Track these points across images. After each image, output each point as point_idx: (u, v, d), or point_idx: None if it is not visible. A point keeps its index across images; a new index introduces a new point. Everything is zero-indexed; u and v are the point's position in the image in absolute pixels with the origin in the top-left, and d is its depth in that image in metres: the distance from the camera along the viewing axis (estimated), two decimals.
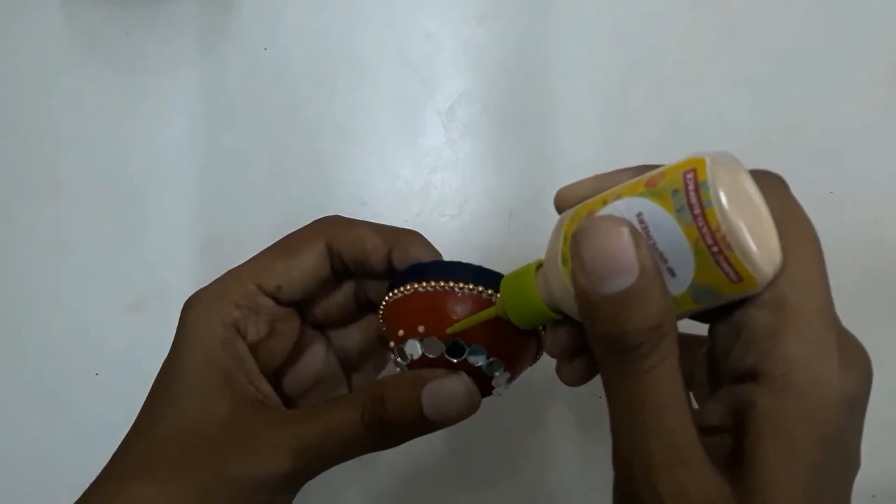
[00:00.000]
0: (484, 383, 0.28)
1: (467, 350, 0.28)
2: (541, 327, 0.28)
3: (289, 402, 0.31)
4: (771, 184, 0.22)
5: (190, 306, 0.29)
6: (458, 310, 0.28)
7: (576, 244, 0.21)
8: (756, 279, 0.21)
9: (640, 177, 0.23)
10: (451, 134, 0.43)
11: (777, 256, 0.21)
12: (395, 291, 0.29)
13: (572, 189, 0.27)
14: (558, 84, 0.43)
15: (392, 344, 0.29)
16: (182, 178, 0.43)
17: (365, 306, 0.33)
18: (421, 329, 0.28)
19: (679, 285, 0.22)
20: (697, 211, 0.21)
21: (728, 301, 0.22)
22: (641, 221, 0.22)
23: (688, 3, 0.43)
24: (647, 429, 0.21)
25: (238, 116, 0.44)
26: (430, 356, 0.28)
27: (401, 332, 0.28)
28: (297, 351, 0.32)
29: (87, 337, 0.42)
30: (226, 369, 0.28)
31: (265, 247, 0.31)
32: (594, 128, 0.42)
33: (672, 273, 0.21)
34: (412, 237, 0.31)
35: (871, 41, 0.43)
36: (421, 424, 0.27)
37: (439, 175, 0.43)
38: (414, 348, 0.28)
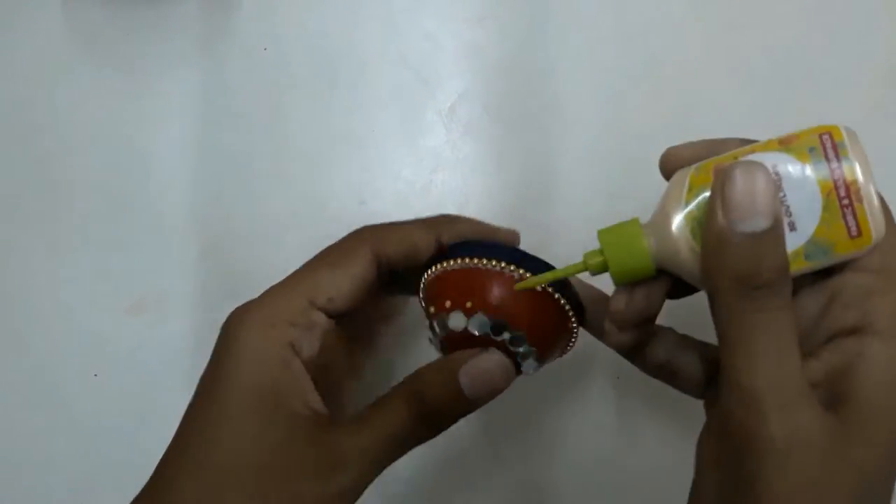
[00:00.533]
0: (514, 364, 0.29)
1: (509, 332, 0.28)
2: (572, 322, 0.29)
3: (337, 411, 0.31)
4: None
5: (240, 324, 0.28)
6: (509, 292, 0.28)
7: (722, 181, 0.23)
8: (872, 236, 0.23)
9: (770, 138, 0.25)
10: (452, 134, 0.43)
11: (883, 221, 0.24)
12: (447, 263, 0.29)
13: (682, 150, 0.28)
14: (559, 84, 0.43)
15: (433, 314, 0.29)
16: (182, 178, 0.43)
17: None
18: (469, 304, 0.28)
19: (797, 240, 0.24)
20: (835, 165, 0.24)
21: (833, 263, 0.24)
22: (776, 174, 0.24)
23: (688, 3, 0.43)
24: (774, 366, 0.23)
25: (238, 116, 0.44)
26: (473, 332, 0.28)
27: (448, 304, 0.29)
28: (345, 361, 0.32)
29: (86, 338, 0.42)
30: (281, 391, 0.27)
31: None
32: (595, 128, 0.42)
33: (792, 227, 0.24)
34: (457, 219, 0.32)
35: (871, 41, 0.43)
36: (464, 405, 0.28)
37: (440, 175, 0.43)
38: (458, 321, 0.28)
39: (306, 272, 0.30)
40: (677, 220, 0.25)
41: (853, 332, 0.24)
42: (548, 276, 0.28)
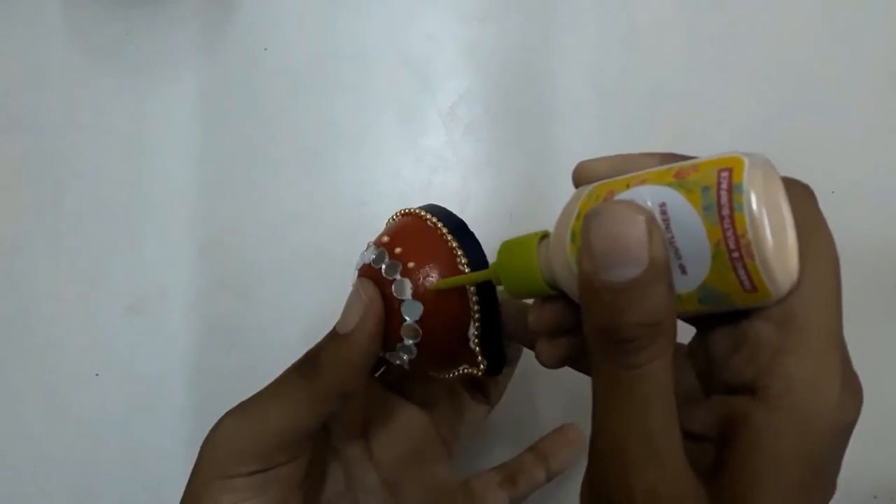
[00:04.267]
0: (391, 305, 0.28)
1: (388, 260, 0.28)
2: (474, 307, 0.28)
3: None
4: (799, 195, 0.22)
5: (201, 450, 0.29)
6: (423, 240, 0.29)
7: (587, 225, 0.21)
8: (770, 292, 0.20)
9: (670, 165, 0.22)
10: (452, 134, 0.43)
11: (794, 272, 0.21)
12: (411, 211, 0.30)
13: (593, 164, 0.26)
14: (559, 84, 0.43)
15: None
16: (182, 177, 0.43)
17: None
18: (398, 251, 0.28)
19: (688, 284, 0.21)
20: (726, 212, 0.20)
21: (734, 309, 0.21)
22: (663, 213, 0.21)
23: (689, 4, 0.43)
24: (628, 424, 0.20)
25: (238, 116, 0.44)
26: (374, 266, 0.29)
27: (381, 239, 0.30)
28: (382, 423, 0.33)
29: (87, 338, 0.42)
30: None
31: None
32: (595, 128, 0.42)
33: (683, 270, 0.21)
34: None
35: (872, 41, 0.43)
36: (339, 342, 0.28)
37: (440, 175, 0.43)
38: (371, 258, 0.29)
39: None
40: (565, 246, 0.23)
41: (747, 388, 0.21)
42: (454, 280, 0.28)
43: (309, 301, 0.41)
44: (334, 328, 0.28)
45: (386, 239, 0.29)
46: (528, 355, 0.39)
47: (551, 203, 0.42)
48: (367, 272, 0.29)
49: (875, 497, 0.39)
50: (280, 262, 0.42)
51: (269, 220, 0.43)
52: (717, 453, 0.21)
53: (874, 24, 0.43)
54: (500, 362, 0.29)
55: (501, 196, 0.42)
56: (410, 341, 0.28)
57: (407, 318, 0.28)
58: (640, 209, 0.20)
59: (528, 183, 0.42)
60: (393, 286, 0.28)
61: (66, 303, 0.42)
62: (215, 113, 0.44)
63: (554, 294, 0.25)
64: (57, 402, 0.41)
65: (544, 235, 0.26)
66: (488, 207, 0.42)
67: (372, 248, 0.29)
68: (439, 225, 0.29)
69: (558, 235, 0.24)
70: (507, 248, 0.26)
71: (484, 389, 0.36)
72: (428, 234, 0.29)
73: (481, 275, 0.27)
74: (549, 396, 0.40)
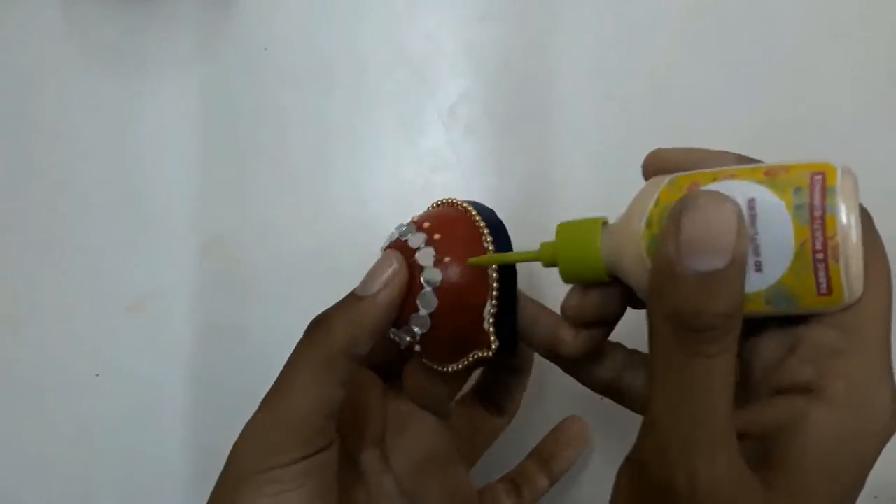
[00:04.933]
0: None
1: (417, 235, 0.29)
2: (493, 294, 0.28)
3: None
4: (863, 214, 0.23)
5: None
6: (452, 219, 0.29)
7: (679, 211, 0.21)
8: (843, 297, 0.21)
9: (758, 164, 0.23)
10: (452, 134, 0.43)
11: (861, 282, 0.21)
12: (452, 202, 0.31)
13: (669, 154, 0.26)
14: (559, 84, 0.43)
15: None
16: (182, 177, 0.43)
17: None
18: (426, 225, 0.29)
19: (760, 283, 0.22)
20: (818, 213, 0.21)
21: (795, 313, 0.22)
22: (752, 208, 0.21)
23: (689, 4, 0.43)
24: (696, 411, 0.21)
25: (238, 116, 0.43)
26: (401, 238, 0.29)
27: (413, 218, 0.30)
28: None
29: (87, 338, 0.42)
30: None
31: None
32: (595, 128, 0.42)
33: (758, 268, 0.21)
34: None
35: (872, 40, 0.43)
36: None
37: (440, 175, 0.43)
38: (401, 231, 0.29)
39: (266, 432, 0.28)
40: (636, 233, 0.23)
41: (804, 390, 0.22)
42: (497, 257, 0.27)
43: (309, 301, 0.41)
44: (351, 292, 0.28)
45: (417, 217, 0.30)
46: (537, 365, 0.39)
47: (551, 203, 0.42)
48: (394, 245, 0.29)
49: (876, 497, 0.39)
50: (280, 262, 0.42)
51: (269, 220, 0.43)
52: (764, 450, 0.22)
53: (874, 24, 0.43)
54: (512, 343, 0.29)
55: (501, 196, 0.42)
56: (425, 311, 0.28)
57: (426, 285, 0.28)
58: (734, 202, 0.21)
59: (528, 183, 0.42)
60: (417, 254, 0.28)
61: (65, 303, 0.42)
62: (215, 113, 0.43)
63: (607, 282, 0.25)
64: (57, 402, 0.41)
65: (604, 222, 0.26)
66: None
67: (403, 225, 0.30)
68: (470, 208, 0.30)
69: (629, 221, 0.24)
70: (567, 229, 0.26)
71: (496, 398, 0.36)
72: (458, 215, 0.30)
73: (534, 254, 0.27)
74: (556, 401, 0.40)
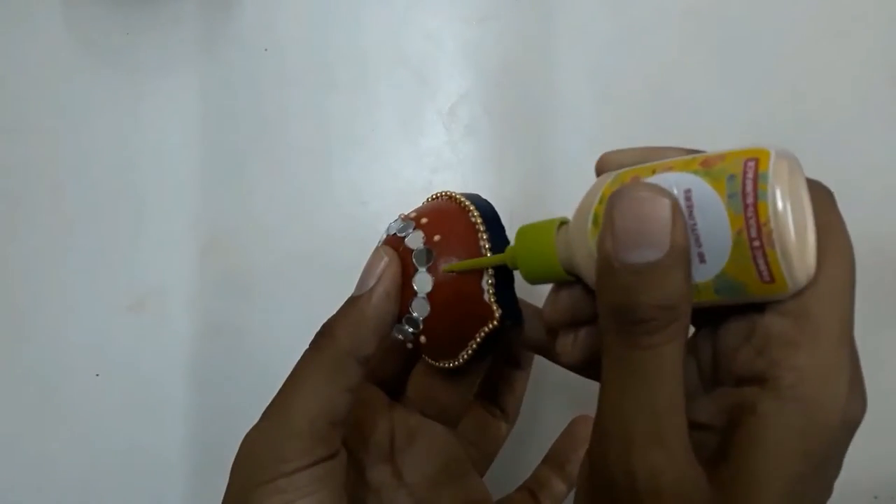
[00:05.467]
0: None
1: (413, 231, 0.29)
2: (490, 291, 0.28)
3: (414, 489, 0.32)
4: (820, 195, 0.22)
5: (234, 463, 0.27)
6: (445, 211, 0.30)
7: (612, 206, 0.21)
8: (787, 284, 0.20)
9: (696, 154, 0.23)
10: (452, 134, 0.43)
11: (812, 267, 0.21)
12: (450, 195, 0.31)
13: (617, 155, 0.26)
14: (559, 84, 0.43)
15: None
16: (182, 177, 0.43)
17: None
18: (424, 221, 0.30)
19: (706, 273, 0.21)
20: (750, 200, 0.20)
21: (748, 301, 0.22)
22: (688, 199, 0.21)
23: (689, 4, 0.43)
24: (636, 404, 0.21)
25: (238, 116, 0.44)
26: (393, 234, 0.30)
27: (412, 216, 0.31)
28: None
29: (87, 337, 0.42)
30: None
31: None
32: (595, 128, 0.42)
33: (702, 259, 0.21)
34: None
35: (872, 40, 0.43)
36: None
37: (440, 175, 0.43)
38: (398, 227, 0.30)
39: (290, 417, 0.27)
40: (585, 230, 0.24)
41: (757, 381, 0.21)
42: (469, 263, 0.28)
43: (309, 301, 0.41)
44: (351, 295, 0.29)
45: (414, 213, 0.31)
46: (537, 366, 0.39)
47: (551, 203, 0.42)
48: (387, 242, 0.30)
49: (876, 497, 0.39)
50: (280, 262, 0.42)
51: (270, 220, 0.43)
52: (720, 442, 0.21)
53: (874, 24, 0.43)
54: (515, 310, 0.29)
55: (501, 196, 0.42)
56: (423, 293, 0.28)
57: (419, 267, 0.28)
58: (666, 192, 0.21)
59: (528, 183, 0.42)
60: (406, 239, 0.29)
61: (66, 303, 0.42)
62: (215, 113, 0.44)
63: (570, 280, 0.25)
64: (57, 402, 0.41)
65: (563, 222, 0.26)
66: None
67: (399, 220, 0.31)
68: (468, 204, 0.30)
69: (579, 219, 0.24)
70: (525, 231, 0.26)
71: (499, 398, 0.36)
72: (455, 210, 0.30)
73: (497, 258, 0.27)
74: (557, 406, 0.40)
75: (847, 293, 0.21)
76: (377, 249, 0.29)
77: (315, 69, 0.44)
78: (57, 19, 0.45)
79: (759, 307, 0.22)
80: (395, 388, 0.34)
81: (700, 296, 0.22)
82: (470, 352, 0.29)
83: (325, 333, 0.28)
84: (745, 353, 0.22)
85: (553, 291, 0.27)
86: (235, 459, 0.27)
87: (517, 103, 0.43)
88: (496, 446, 0.36)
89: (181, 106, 0.43)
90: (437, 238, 0.29)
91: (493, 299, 0.28)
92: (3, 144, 0.44)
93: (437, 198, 0.32)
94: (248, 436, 0.27)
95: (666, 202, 0.20)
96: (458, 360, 0.30)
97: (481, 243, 0.29)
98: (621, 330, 0.21)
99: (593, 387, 0.27)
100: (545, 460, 0.36)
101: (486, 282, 0.28)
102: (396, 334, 0.30)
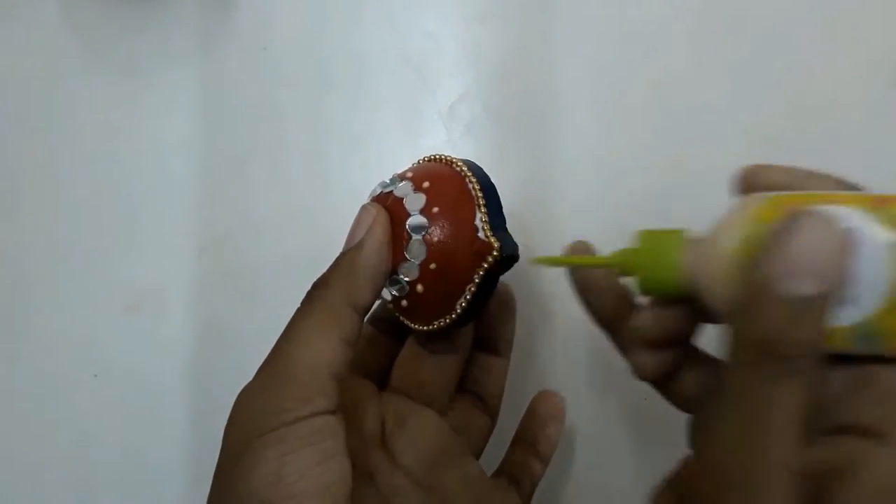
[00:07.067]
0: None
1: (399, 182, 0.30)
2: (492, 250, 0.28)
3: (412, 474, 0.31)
4: None
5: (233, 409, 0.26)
6: (438, 170, 0.30)
7: (782, 231, 0.20)
8: None
9: (867, 192, 0.22)
10: (452, 134, 0.43)
11: None
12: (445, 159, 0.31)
13: (767, 171, 0.25)
14: (560, 84, 0.43)
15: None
16: (181, 178, 0.43)
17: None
18: (407, 174, 0.30)
19: (850, 316, 0.20)
20: None
21: (878, 355, 0.21)
22: (854, 237, 0.20)
23: (689, 3, 0.43)
24: (761, 445, 0.20)
25: (237, 116, 0.43)
26: (382, 190, 0.30)
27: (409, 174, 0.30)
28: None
29: (85, 338, 0.42)
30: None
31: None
32: (595, 128, 0.42)
33: (852, 301, 0.20)
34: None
35: (872, 41, 0.43)
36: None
37: None
38: (382, 184, 0.31)
39: (292, 364, 0.26)
40: (726, 250, 0.22)
41: (866, 433, 0.20)
42: (563, 259, 0.27)
43: None
44: (341, 252, 0.28)
45: (405, 171, 0.31)
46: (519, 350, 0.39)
47: (551, 203, 0.42)
48: (377, 199, 0.30)
49: None
50: (280, 262, 0.42)
51: (269, 220, 0.43)
52: (817, 491, 0.20)
53: (874, 24, 0.43)
54: (511, 244, 0.29)
55: (501, 196, 0.42)
56: (417, 236, 0.28)
57: (411, 211, 0.28)
58: (841, 228, 0.20)
59: (528, 183, 0.42)
60: (394, 191, 0.29)
61: (64, 303, 0.42)
62: (215, 112, 0.43)
63: (681, 297, 0.24)
64: (56, 403, 0.41)
65: (683, 234, 0.25)
66: None
67: (386, 180, 0.31)
68: (464, 168, 0.30)
69: (718, 237, 0.23)
70: (650, 238, 0.25)
71: (480, 390, 0.36)
72: (446, 171, 0.30)
73: (607, 260, 0.26)
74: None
75: None
76: (363, 206, 0.29)
77: (314, 68, 0.44)
78: (56, 19, 0.45)
79: (875, 358, 0.21)
80: (381, 381, 0.34)
81: (832, 340, 0.21)
82: (468, 296, 0.29)
83: (319, 286, 0.28)
84: (857, 402, 0.21)
85: (653, 306, 0.25)
86: (230, 417, 0.26)
87: (517, 103, 0.43)
88: (482, 441, 0.35)
89: (180, 105, 0.43)
90: (426, 185, 0.29)
91: (489, 234, 0.28)
92: (1, 144, 0.44)
93: (432, 160, 0.31)
94: (242, 392, 0.26)
95: (840, 237, 0.19)
96: (455, 312, 0.29)
97: (478, 212, 0.29)
98: (760, 363, 0.20)
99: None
100: (515, 442, 0.36)
101: (480, 219, 0.28)
102: (391, 289, 0.29)
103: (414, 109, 0.43)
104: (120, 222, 0.43)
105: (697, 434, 0.22)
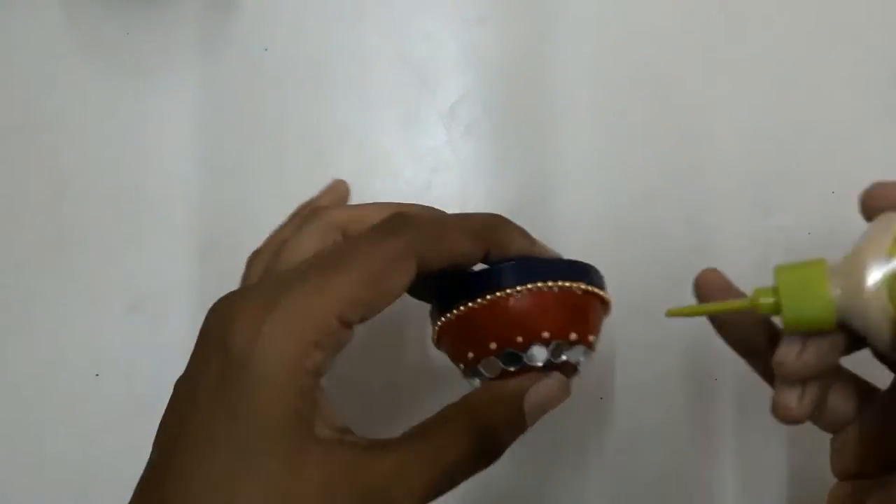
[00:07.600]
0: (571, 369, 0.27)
1: (569, 348, 0.26)
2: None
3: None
4: None
5: (258, 338, 0.24)
6: (585, 312, 0.27)
7: None
8: None
9: None
10: (452, 134, 0.43)
11: None
12: (501, 292, 0.26)
13: (885, 191, 0.23)
14: (560, 85, 0.43)
15: (489, 351, 0.26)
16: (182, 178, 0.43)
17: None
18: (546, 335, 0.26)
19: None
20: None
21: None
22: None
23: (689, 5, 0.43)
24: None
25: (238, 116, 0.43)
26: (554, 360, 0.26)
27: (519, 339, 0.26)
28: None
29: (86, 338, 0.42)
30: (306, 418, 0.24)
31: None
32: (595, 129, 0.42)
33: None
34: (508, 231, 0.28)
35: (872, 41, 0.43)
36: (520, 431, 0.26)
37: (440, 176, 0.43)
38: (538, 355, 0.26)
39: (342, 283, 0.24)
40: (874, 276, 0.21)
41: None
42: (701, 309, 0.26)
43: None
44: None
45: (547, 334, 0.27)
46: None
47: (551, 203, 0.42)
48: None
49: None
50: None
51: (270, 220, 0.42)
52: None
53: (874, 24, 0.43)
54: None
55: (501, 196, 0.42)
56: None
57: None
58: None
59: (528, 183, 0.42)
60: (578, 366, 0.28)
61: (66, 303, 0.42)
62: (215, 113, 0.44)
63: (830, 330, 0.23)
64: (57, 402, 0.41)
65: (824, 264, 0.24)
66: (488, 208, 0.42)
67: (542, 347, 0.27)
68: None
69: (859, 265, 0.22)
70: (789, 272, 0.24)
71: None
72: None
73: (747, 303, 0.25)
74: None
75: None
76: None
77: (315, 69, 0.44)
78: (57, 19, 0.45)
79: None
80: None
81: None
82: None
83: (399, 219, 0.26)
84: None
85: (801, 340, 0.24)
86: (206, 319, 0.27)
87: (517, 103, 0.43)
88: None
89: (181, 106, 0.43)
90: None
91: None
92: (1, 144, 0.44)
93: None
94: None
95: None
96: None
97: None
98: None
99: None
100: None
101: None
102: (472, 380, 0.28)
103: (414, 110, 0.43)
104: (121, 223, 0.43)
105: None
